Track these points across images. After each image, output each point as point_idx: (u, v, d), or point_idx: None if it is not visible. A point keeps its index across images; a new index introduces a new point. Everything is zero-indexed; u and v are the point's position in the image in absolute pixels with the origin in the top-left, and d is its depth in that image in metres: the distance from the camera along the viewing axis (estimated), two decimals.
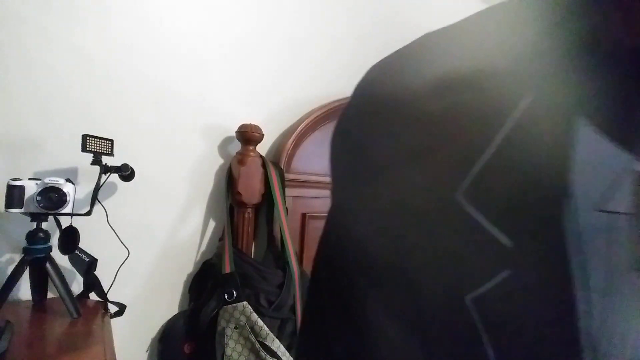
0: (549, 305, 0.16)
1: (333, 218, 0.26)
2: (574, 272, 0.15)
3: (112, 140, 0.76)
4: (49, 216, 0.70)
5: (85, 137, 0.71)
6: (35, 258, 0.68)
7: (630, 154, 0.14)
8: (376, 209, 0.22)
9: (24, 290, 0.76)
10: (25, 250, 0.68)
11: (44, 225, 0.70)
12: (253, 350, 0.81)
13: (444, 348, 0.18)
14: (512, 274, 0.16)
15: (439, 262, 0.18)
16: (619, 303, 0.15)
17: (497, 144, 0.17)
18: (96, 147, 0.73)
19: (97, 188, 0.75)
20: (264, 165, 0.95)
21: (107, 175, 0.77)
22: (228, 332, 0.81)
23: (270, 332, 0.82)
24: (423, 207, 0.19)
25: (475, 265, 0.17)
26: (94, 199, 0.74)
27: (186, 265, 0.98)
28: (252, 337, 0.81)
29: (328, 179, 1.04)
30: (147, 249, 0.93)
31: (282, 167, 0.99)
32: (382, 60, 0.26)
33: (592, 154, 0.15)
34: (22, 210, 0.66)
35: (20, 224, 0.72)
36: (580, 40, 0.16)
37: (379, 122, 0.23)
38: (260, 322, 0.82)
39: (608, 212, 0.14)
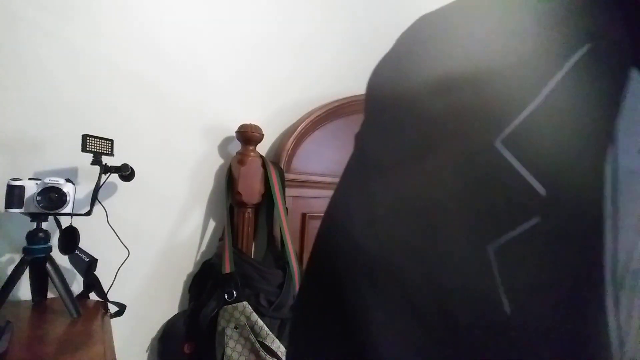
0: (574, 260, 0.16)
1: (334, 211, 0.26)
2: (606, 221, 0.15)
3: (112, 140, 0.76)
4: (49, 216, 0.70)
5: (85, 137, 0.71)
6: (35, 258, 0.68)
7: None
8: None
9: (24, 290, 0.76)
10: (25, 250, 0.68)
11: (44, 225, 0.70)
12: (253, 350, 0.81)
13: (460, 301, 0.18)
14: (541, 222, 0.16)
15: (465, 211, 0.18)
16: None
17: (545, 93, 0.17)
18: (96, 147, 0.73)
19: (97, 188, 0.75)
20: (264, 165, 0.95)
21: (107, 175, 0.77)
22: (228, 332, 0.81)
23: (270, 332, 0.82)
24: (458, 153, 0.19)
25: (504, 212, 0.17)
26: (94, 199, 0.74)
27: (186, 265, 0.99)
28: (252, 337, 0.81)
29: (328, 179, 1.04)
30: (147, 249, 0.93)
31: (282, 167, 0.99)
32: (386, 56, 0.26)
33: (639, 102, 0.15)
34: (22, 210, 0.66)
35: (20, 224, 0.72)
36: None
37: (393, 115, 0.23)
38: (260, 322, 0.82)
39: None
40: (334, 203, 0.26)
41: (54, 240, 0.72)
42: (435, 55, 0.21)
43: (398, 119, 0.21)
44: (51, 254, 0.70)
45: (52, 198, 0.67)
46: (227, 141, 1.02)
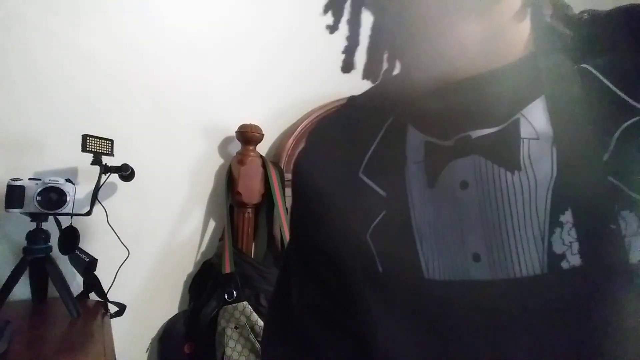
0: (402, 229, 0.29)
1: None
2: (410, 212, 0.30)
3: (112, 140, 0.76)
4: (49, 216, 0.70)
5: (85, 137, 0.71)
6: (35, 258, 0.68)
7: (423, 134, 0.30)
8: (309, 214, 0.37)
9: (24, 290, 0.76)
10: (25, 250, 0.68)
11: (44, 225, 0.70)
12: (253, 350, 0.81)
13: (353, 268, 0.32)
14: (386, 214, 0.30)
15: (351, 216, 0.32)
16: None
17: (377, 143, 0.33)
18: (96, 147, 0.73)
19: (97, 188, 0.75)
20: (264, 165, 0.95)
21: (107, 175, 0.77)
22: (228, 332, 0.81)
23: None
24: (337, 189, 0.33)
25: (368, 210, 0.31)
26: (94, 199, 0.74)
27: (186, 265, 0.98)
28: (252, 337, 0.81)
29: None
30: (147, 249, 0.93)
31: (282, 167, 0.99)
32: (300, 151, 0.42)
33: (413, 137, 0.31)
34: (22, 210, 0.66)
35: (20, 224, 0.72)
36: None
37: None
38: (261, 322, 0.82)
39: (417, 162, 0.30)
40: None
41: (54, 240, 0.72)
42: (322, 154, 0.37)
43: (308, 193, 0.37)
44: (51, 254, 0.70)
45: (52, 198, 0.67)
46: (227, 141, 1.02)
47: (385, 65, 0.30)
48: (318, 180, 0.36)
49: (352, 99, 0.40)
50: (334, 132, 0.38)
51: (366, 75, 0.30)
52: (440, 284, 0.27)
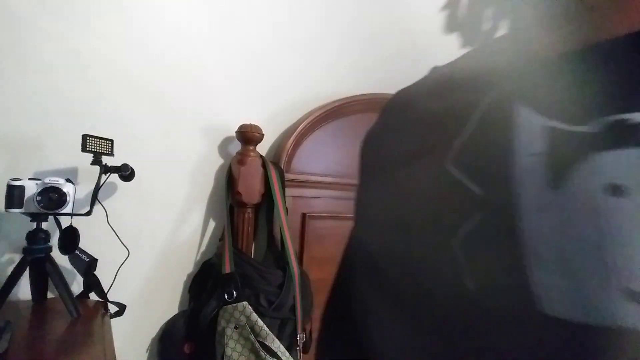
0: (508, 240, 0.21)
1: (356, 214, 0.33)
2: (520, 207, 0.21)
3: (112, 140, 0.76)
4: (49, 216, 0.70)
5: (85, 137, 0.71)
6: (35, 258, 0.68)
7: (543, 117, 0.22)
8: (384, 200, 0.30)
9: (24, 290, 0.76)
10: (25, 250, 0.68)
11: (44, 225, 0.70)
12: (253, 350, 0.81)
13: (435, 287, 0.24)
14: (483, 219, 0.23)
15: (432, 218, 0.25)
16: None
17: (472, 127, 0.25)
18: (96, 147, 0.73)
19: (97, 188, 0.75)
20: (264, 165, 0.95)
21: (107, 175, 0.77)
22: (228, 332, 0.81)
23: (270, 332, 0.82)
24: (419, 179, 0.27)
25: (456, 211, 0.24)
26: (94, 199, 0.74)
27: (186, 265, 0.98)
28: (252, 337, 0.81)
29: (328, 179, 1.04)
30: (147, 249, 0.93)
31: (282, 167, 0.99)
32: (372, 127, 0.34)
33: (526, 120, 0.23)
34: (22, 210, 0.66)
35: (20, 224, 0.72)
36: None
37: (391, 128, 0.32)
38: (260, 322, 0.82)
39: (533, 154, 0.22)
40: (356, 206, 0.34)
41: (54, 240, 0.72)
42: (400, 132, 0.31)
43: (380, 174, 0.31)
44: (51, 254, 0.70)
45: (52, 198, 0.67)
46: (227, 141, 1.02)
47: (486, 25, 0.24)
48: (388, 165, 0.29)
49: (436, 70, 0.32)
50: (415, 108, 0.30)
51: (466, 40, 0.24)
52: (564, 325, 0.19)
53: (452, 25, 0.26)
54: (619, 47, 0.19)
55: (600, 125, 0.20)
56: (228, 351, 0.80)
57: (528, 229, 0.21)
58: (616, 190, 0.18)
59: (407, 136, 0.29)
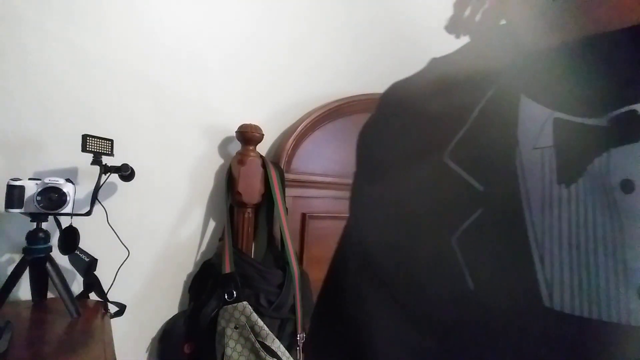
0: (511, 236, 0.21)
1: (351, 212, 0.32)
2: (523, 202, 0.21)
3: (112, 140, 0.76)
4: (49, 216, 0.70)
5: (85, 137, 0.71)
6: (35, 258, 0.68)
7: (548, 109, 0.21)
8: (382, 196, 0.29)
9: (24, 290, 0.76)
10: (25, 250, 0.68)
11: (44, 225, 0.70)
12: (253, 350, 0.81)
13: (433, 285, 0.23)
14: (483, 214, 0.22)
15: (430, 213, 0.24)
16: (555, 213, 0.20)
17: (472, 120, 0.24)
18: (96, 147, 0.73)
19: (97, 188, 0.75)
20: (264, 165, 0.95)
21: (107, 175, 0.77)
22: (228, 332, 0.81)
23: (270, 332, 0.82)
24: (418, 173, 0.26)
25: (455, 208, 0.23)
26: (94, 199, 0.74)
27: (186, 265, 0.98)
28: (252, 337, 0.81)
29: (328, 179, 1.04)
30: (147, 249, 0.93)
31: (282, 167, 0.99)
32: (369, 119, 0.33)
33: (530, 112, 0.22)
34: (22, 210, 0.66)
35: (20, 224, 0.72)
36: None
37: (389, 124, 0.31)
38: (261, 322, 0.82)
39: (538, 148, 0.21)
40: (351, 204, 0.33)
41: (54, 240, 0.72)
42: (399, 127, 0.30)
43: (378, 165, 0.30)
44: (51, 254, 0.70)
45: (52, 198, 0.67)
46: (227, 141, 1.02)
47: (480, 16, 0.24)
48: (386, 158, 0.29)
49: (435, 62, 0.31)
50: (414, 104, 0.29)
51: (452, 27, 0.24)
52: (572, 320, 0.18)
53: (455, 24, 0.27)
54: (620, 39, 0.19)
55: (611, 117, 0.19)
56: (228, 351, 0.80)
57: (536, 223, 0.20)
58: (628, 186, 0.18)
59: (406, 131, 0.28)
